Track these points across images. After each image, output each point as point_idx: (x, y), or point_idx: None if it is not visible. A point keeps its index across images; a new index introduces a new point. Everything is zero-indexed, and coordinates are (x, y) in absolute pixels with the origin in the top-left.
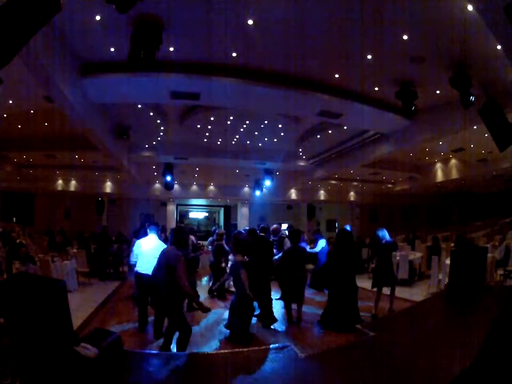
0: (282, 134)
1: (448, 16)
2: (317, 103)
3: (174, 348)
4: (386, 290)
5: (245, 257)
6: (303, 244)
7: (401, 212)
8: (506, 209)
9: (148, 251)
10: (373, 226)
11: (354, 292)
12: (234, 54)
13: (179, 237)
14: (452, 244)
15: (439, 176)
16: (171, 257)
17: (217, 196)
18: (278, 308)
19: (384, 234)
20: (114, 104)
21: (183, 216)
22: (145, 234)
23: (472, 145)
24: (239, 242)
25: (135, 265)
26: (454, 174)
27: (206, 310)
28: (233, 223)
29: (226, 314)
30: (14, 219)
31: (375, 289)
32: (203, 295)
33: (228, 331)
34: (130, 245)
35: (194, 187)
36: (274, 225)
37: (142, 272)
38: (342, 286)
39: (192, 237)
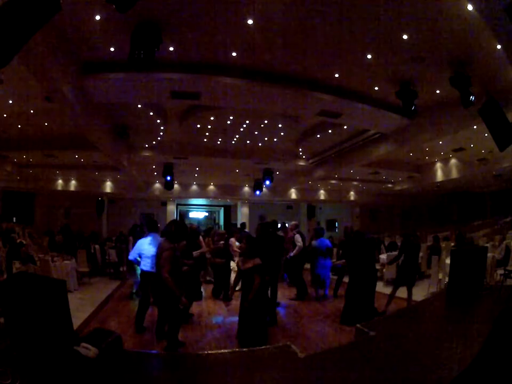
0: (282, 133)
1: (448, 16)
2: (317, 103)
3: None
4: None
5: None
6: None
7: (401, 212)
8: (507, 209)
9: (147, 249)
10: (373, 226)
11: (372, 291)
12: (234, 54)
13: (167, 228)
14: (452, 244)
15: (439, 175)
16: (159, 248)
17: (217, 196)
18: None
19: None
20: (114, 104)
21: (183, 215)
22: (142, 232)
23: (472, 145)
24: (255, 244)
25: (134, 262)
26: (454, 174)
27: (184, 304)
28: (234, 222)
29: (229, 317)
30: (14, 219)
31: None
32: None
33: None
34: (128, 243)
35: (194, 187)
36: (293, 222)
37: (145, 269)
38: (361, 287)
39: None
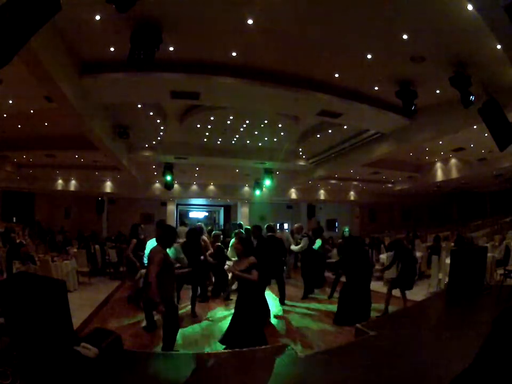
0: (282, 133)
1: (448, 16)
2: (317, 103)
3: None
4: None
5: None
6: None
7: (401, 212)
8: (506, 209)
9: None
10: (373, 226)
11: (368, 292)
12: (234, 54)
13: (159, 233)
14: (452, 244)
15: (439, 175)
16: (151, 252)
17: (217, 196)
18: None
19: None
20: (114, 104)
21: (183, 215)
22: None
23: (472, 145)
24: (249, 243)
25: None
26: (454, 174)
27: (161, 311)
28: (234, 222)
29: (230, 316)
30: (14, 219)
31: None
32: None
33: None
34: (129, 244)
35: (194, 187)
36: (297, 225)
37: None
38: (355, 288)
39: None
